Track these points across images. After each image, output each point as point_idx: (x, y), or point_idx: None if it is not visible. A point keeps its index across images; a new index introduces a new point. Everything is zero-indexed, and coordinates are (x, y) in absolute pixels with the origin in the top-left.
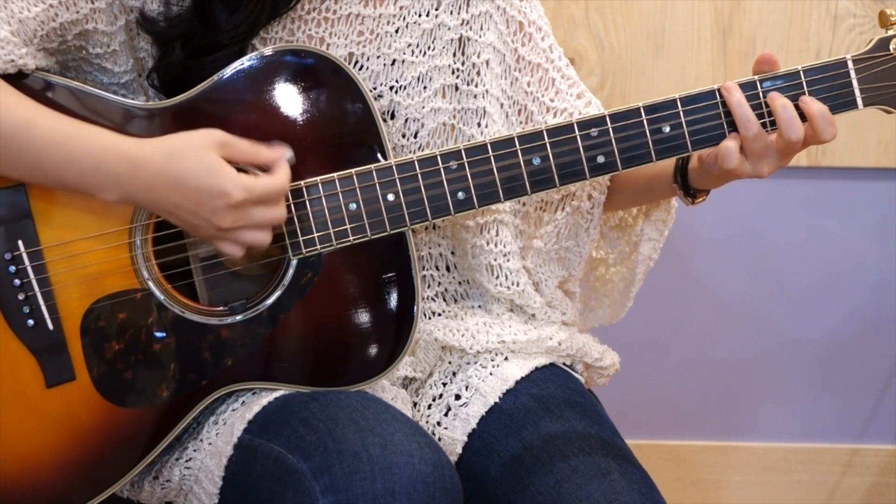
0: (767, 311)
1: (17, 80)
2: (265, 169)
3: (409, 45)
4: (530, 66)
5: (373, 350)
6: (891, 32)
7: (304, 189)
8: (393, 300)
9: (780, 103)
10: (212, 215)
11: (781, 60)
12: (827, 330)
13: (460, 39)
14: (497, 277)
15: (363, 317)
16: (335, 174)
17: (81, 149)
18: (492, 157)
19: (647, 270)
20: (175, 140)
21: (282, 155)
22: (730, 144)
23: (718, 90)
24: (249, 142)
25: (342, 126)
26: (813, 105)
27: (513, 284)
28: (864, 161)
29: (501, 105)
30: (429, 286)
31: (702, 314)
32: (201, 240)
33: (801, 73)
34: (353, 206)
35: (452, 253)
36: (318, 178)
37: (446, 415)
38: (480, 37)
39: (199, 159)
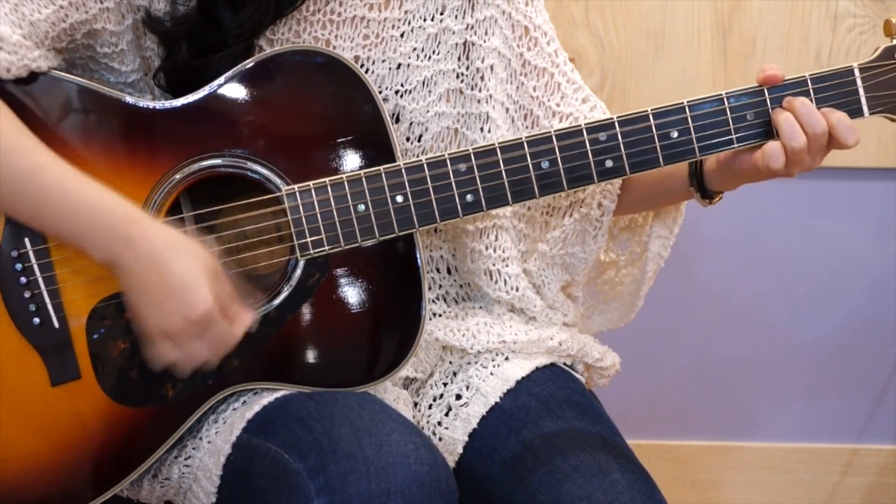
0: (767, 312)
1: (29, 81)
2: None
3: (415, 49)
4: (536, 70)
5: (379, 351)
6: None
7: (312, 190)
8: (400, 302)
9: (783, 116)
10: (168, 314)
11: (781, 61)
12: (827, 330)
13: (465, 44)
14: (496, 282)
15: (370, 318)
16: (343, 175)
17: (86, 204)
18: (500, 160)
19: (657, 269)
20: (180, 237)
21: (248, 321)
22: (775, 144)
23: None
24: (232, 289)
25: (351, 127)
26: (832, 115)
27: (512, 289)
28: (864, 161)
29: (507, 110)
30: (430, 289)
31: (702, 315)
32: (139, 332)
33: (809, 80)
34: (361, 207)
35: (453, 256)
36: (327, 179)
37: (447, 415)
38: (485, 41)
39: (192, 265)
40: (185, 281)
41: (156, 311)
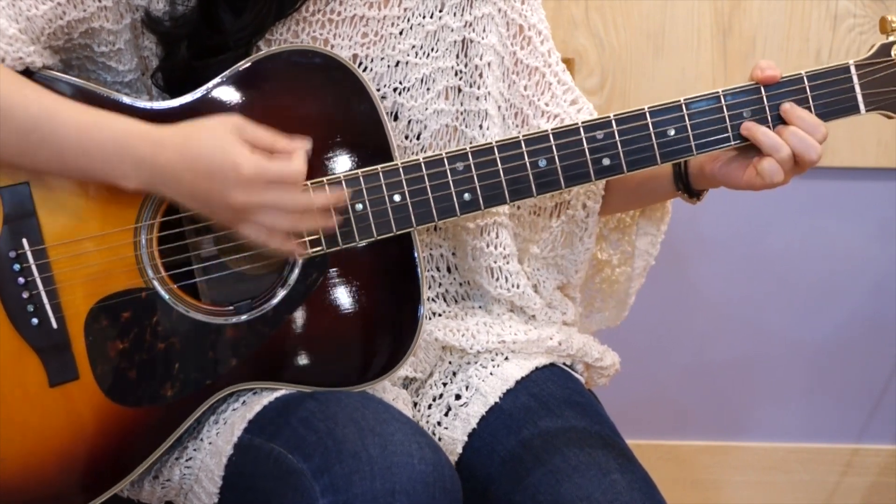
0: (768, 312)
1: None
2: None
3: (413, 46)
4: (528, 69)
5: (377, 351)
6: (892, 38)
7: (309, 189)
8: (398, 301)
9: (761, 131)
10: (224, 192)
11: (781, 60)
12: (827, 330)
13: (463, 41)
14: (497, 280)
15: (368, 318)
16: (341, 174)
17: (105, 134)
18: (498, 159)
19: (646, 266)
20: (193, 123)
21: (300, 146)
22: (773, 164)
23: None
24: (266, 129)
25: (348, 127)
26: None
27: (513, 287)
28: (864, 161)
29: (499, 107)
30: (430, 287)
31: (702, 314)
32: (223, 227)
33: (805, 78)
34: (359, 206)
35: (453, 254)
36: (325, 179)
37: (446, 415)
38: (483, 39)
39: (215, 137)
40: (216, 156)
41: (213, 200)
